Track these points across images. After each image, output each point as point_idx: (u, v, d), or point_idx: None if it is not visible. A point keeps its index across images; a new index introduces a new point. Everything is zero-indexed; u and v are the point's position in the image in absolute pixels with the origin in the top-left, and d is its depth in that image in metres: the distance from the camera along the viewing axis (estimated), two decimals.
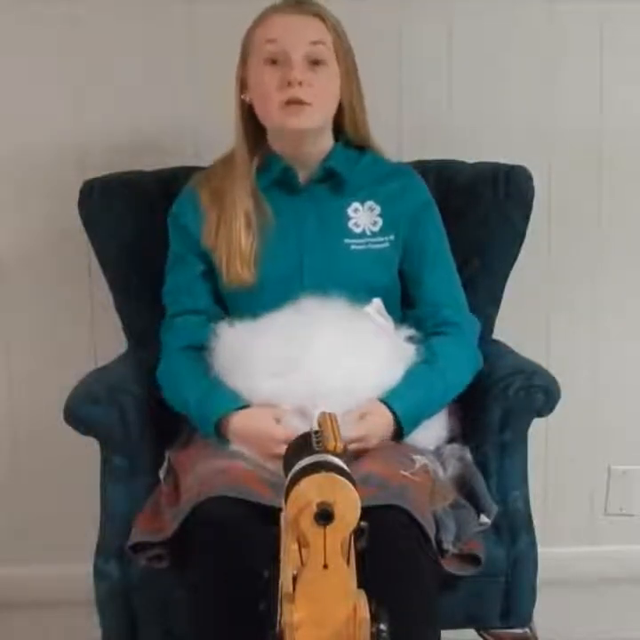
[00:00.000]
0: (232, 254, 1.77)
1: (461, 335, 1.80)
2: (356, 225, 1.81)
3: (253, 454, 1.63)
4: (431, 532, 1.53)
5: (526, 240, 1.97)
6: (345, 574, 1.09)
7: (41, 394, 2.13)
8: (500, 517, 1.70)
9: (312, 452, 1.14)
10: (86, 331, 2.19)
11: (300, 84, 1.70)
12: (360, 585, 1.11)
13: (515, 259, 1.98)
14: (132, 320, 2.00)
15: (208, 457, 1.64)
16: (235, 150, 1.81)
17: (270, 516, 1.32)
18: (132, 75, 2.10)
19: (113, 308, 2.02)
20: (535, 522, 1.74)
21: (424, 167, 1.94)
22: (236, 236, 1.77)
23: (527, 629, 1.75)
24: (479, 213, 1.96)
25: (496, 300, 2.00)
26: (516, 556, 1.70)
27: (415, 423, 1.69)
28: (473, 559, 1.62)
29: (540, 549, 1.73)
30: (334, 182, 1.81)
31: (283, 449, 1.27)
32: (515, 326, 2.05)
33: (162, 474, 1.73)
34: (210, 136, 2.00)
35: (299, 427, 1.54)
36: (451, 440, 1.77)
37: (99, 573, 1.69)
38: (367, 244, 1.80)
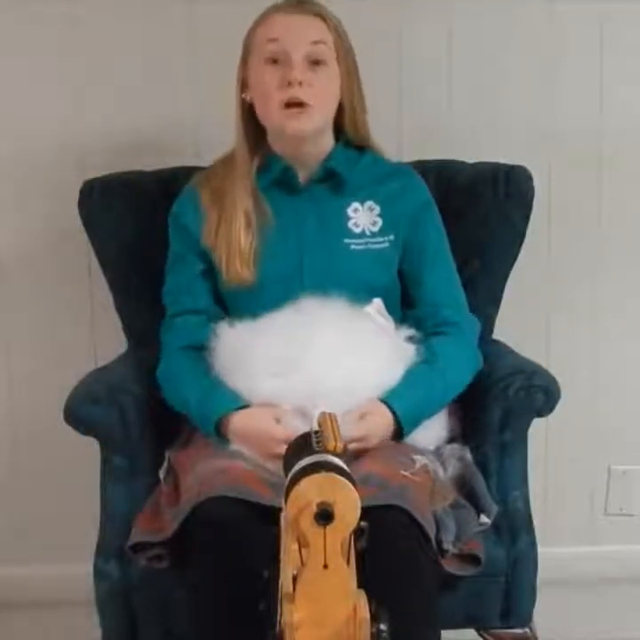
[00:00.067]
0: (232, 253, 1.77)
1: (461, 335, 1.80)
2: (356, 225, 1.81)
3: (253, 454, 1.63)
4: (431, 532, 1.53)
5: (526, 240, 1.97)
6: (345, 574, 1.09)
7: (41, 394, 2.13)
8: (500, 517, 1.69)
9: (312, 452, 1.14)
10: (86, 331, 2.19)
11: (301, 84, 1.70)
12: (360, 585, 1.11)
13: (515, 259, 1.98)
14: (132, 320, 2.00)
15: (208, 457, 1.64)
16: (235, 150, 1.81)
17: (270, 516, 1.32)
18: (132, 75, 2.10)
19: (113, 308, 2.02)
20: (535, 522, 1.74)
21: (424, 167, 1.94)
22: (235, 235, 1.77)
23: (527, 629, 1.75)
24: (479, 213, 1.96)
25: (496, 300, 2.00)
26: (516, 556, 1.70)
27: (415, 423, 1.69)
28: (473, 559, 1.62)
29: (540, 549, 1.73)
30: (334, 182, 1.81)
31: (283, 449, 1.27)
32: (515, 326, 2.05)
33: (162, 474, 1.73)
34: (210, 136, 2.00)
35: (299, 427, 1.54)
36: (451, 440, 1.77)
37: (99, 573, 1.69)
38: (367, 244, 1.80)
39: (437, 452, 1.73)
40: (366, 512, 1.09)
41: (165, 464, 1.74)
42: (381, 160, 1.87)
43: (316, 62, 1.72)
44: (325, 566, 1.07)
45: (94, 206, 1.97)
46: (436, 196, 1.87)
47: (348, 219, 1.81)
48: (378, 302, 1.76)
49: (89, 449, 1.74)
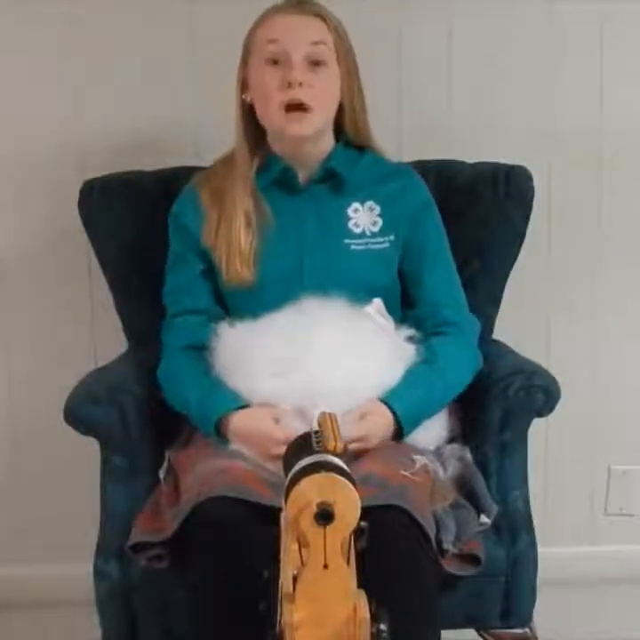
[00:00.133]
0: (232, 253, 1.77)
1: (461, 335, 1.80)
2: (356, 225, 1.81)
3: (253, 454, 1.63)
4: (431, 532, 1.53)
5: (526, 240, 1.97)
6: (345, 574, 1.09)
7: (41, 394, 2.13)
8: (500, 517, 1.69)
9: (312, 452, 1.14)
10: (86, 331, 2.19)
11: (301, 84, 1.70)
12: (360, 585, 1.11)
13: (515, 259, 1.98)
14: (133, 320, 2.00)
15: (208, 457, 1.64)
16: (235, 150, 1.81)
17: (270, 515, 1.32)
18: (132, 75, 2.10)
19: (113, 308, 2.02)
20: (535, 522, 1.74)
21: (424, 167, 1.94)
22: (235, 235, 1.77)
23: (527, 629, 1.75)
24: (479, 213, 1.96)
25: (496, 300, 2.00)
26: (516, 556, 1.70)
27: (415, 423, 1.69)
28: (473, 559, 1.62)
29: (540, 549, 1.73)
30: (334, 182, 1.81)
31: (281, 450, 1.27)
32: (515, 326, 2.05)
33: (162, 474, 1.73)
34: (210, 136, 2.00)
35: (298, 427, 1.54)
36: (451, 440, 1.77)
37: (99, 573, 1.69)
38: (367, 244, 1.80)
39: (437, 452, 1.73)
40: (366, 512, 1.09)
41: (165, 464, 1.74)
42: (381, 160, 1.87)
43: (316, 63, 1.72)
44: (325, 566, 1.07)
45: (94, 206, 1.97)
46: (436, 196, 1.87)
47: (349, 219, 1.81)
48: (378, 302, 1.76)
49: (89, 449, 1.74)
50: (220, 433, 1.67)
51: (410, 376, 1.70)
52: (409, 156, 2.02)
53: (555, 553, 2.05)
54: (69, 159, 2.12)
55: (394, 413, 1.66)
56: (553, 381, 1.73)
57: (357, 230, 1.80)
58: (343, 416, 1.45)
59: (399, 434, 1.68)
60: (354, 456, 1.59)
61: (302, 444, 1.18)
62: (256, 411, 1.66)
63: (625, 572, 2.28)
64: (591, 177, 2.18)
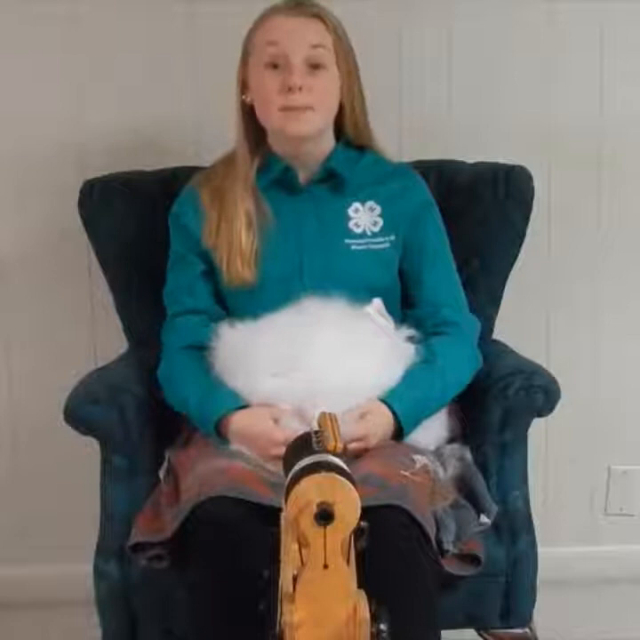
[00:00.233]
0: (233, 253, 1.77)
1: (461, 335, 1.80)
2: (357, 225, 1.81)
3: (253, 454, 1.63)
4: (431, 532, 1.53)
5: (526, 240, 1.97)
6: (345, 574, 1.09)
7: (41, 394, 2.13)
8: (500, 517, 1.69)
9: (312, 452, 1.14)
10: (86, 331, 2.19)
11: (300, 89, 1.70)
12: (360, 585, 1.11)
13: (515, 259, 1.98)
14: (133, 320, 2.00)
15: (208, 457, 1.64)
16: (235, 150, 1.81)
17: (270, 516, 1.32)
18: (132, 74, 2.10)
19: (113, 308, 2.02)
20: (535, 522, 1.74)
21: (424, 167, 1.94)
22: (236, 235, 1.77)
23: (527, 629, 1.75)
24: (479, 213, 1.97)
25: (496, 300, 2.00)
26: (515, 556, 1.70)
27: (415, 423, 1.69)
28: (473, 559, 1.62)
29: (540, 549, 1.73)
30: (335, 182, 1.81)
31: (281, 451, 1.27)
32: (515, 326, 2.05)
33: (162, 474, 1.73)
34: (210, 136, 2.00)
35: (297, 428, 1.54)
36: (451, 440, 1.77)
37: (99, 573, 1.69)
38: (367, 244, 1.80)
39: (437, 452, 1.73)
40: (366, 512, 1.09)
41: (165, 464, 1.74)
42: (382, 160, 1.87)
43: (315, 66, 1.72)
44: (325, 566, 1.07)
45: (94, 206, 1.97)
46: (436, 196, 1.87)
47: (349, 219, 1.81)
48: (378, 302, 1.76)
49: (89, 449, 1.74)
50: (219, 433, 1.67)
51: (410, 376, 1.70)
52: (409, 155, 2.02)
53: (555, 553, 2.05)
54: (69, 159, 2.12)
55: (394, 413, 1.66)
56: (553, 381, 1.73)
57: (358, 230, 1.80)
58: (343, 416, 1.46)
59: (399, 433, 1.68)
60: (354, 456, 1.60)
61: (302, 444, 1.18)
62: (256, 411, 1.66)
63: (625, 572, 2.28)
64: (591, 177, 2.18)
